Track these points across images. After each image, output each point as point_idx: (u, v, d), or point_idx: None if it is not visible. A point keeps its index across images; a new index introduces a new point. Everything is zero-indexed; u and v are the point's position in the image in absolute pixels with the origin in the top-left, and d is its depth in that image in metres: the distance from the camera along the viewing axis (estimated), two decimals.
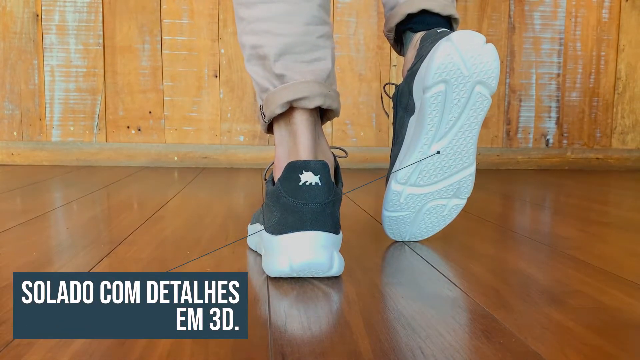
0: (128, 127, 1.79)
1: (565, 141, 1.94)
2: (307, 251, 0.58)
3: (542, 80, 1.90)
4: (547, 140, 1.93)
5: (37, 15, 1.74)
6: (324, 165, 0.60)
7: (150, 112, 1.79)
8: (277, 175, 0.64)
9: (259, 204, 1.11)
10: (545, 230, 0.91)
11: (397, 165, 0.73)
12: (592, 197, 1.33)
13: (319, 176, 0.59)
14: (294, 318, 0.50)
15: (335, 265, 0.60)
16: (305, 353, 0.43)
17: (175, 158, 1.80)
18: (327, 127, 1.82)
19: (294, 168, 0.59)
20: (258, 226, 0.70)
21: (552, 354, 0.44)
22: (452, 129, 0.69)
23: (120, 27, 1.76)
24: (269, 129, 0.69)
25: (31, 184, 1.37)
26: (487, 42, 0.67)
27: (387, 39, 0.81)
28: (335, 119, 1.83)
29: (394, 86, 0.78)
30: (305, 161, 0.60)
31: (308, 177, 0.59)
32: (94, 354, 0.42)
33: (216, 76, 1.79)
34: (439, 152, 0.69)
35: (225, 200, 1.18)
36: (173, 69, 1.78)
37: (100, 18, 1.75)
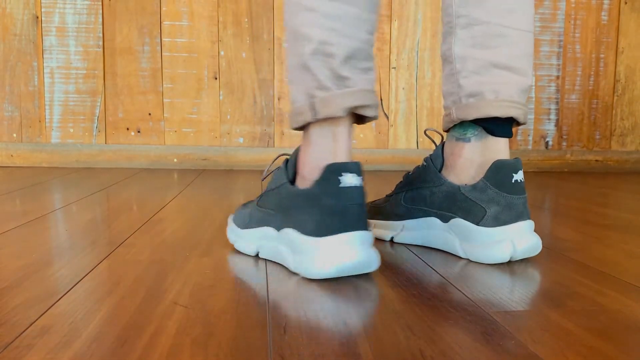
0: (128, 128, 1.79)
1: (564, 143, 1.94)
2: (355, 252, 0.60)
3: (541, 82, 1.91)
4: (547, 142, 1.93)
5: (37, 17, 1.74)
6: (361, 166, 0.62)
7: (149, 113, 1.79)
8: (309, 174, 0.64)
9: None
10: (545, 232, 0.91)
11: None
12: (592, 199, 1.33)
13: (360, 177, 0.62)
14: (293, 320, 0.50)
15: (378, 261, 0.64)
16: (305, 355, 0.43)
17: (175, 160, 1.80)
18: None
19: (335, 170, 0.60)
20: (259, 230, 0.71)
21: (552, 355, 0.44)
22: None
23: (120, 28, 1.76)
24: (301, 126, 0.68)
25: (31, 185, 1.37)
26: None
27: (446, 120, 0.77)
28: None
29: (436, 133, 0.80)
30: (345, 163, 0.61)
31: (349, 179, 0.60)
32: (93, 355, 0.42)
33: (216, 78, 1.79)
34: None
35: (225, 202, 1.18)
36: (173, 71, 1.78)
37: (100, 20, 1.75)
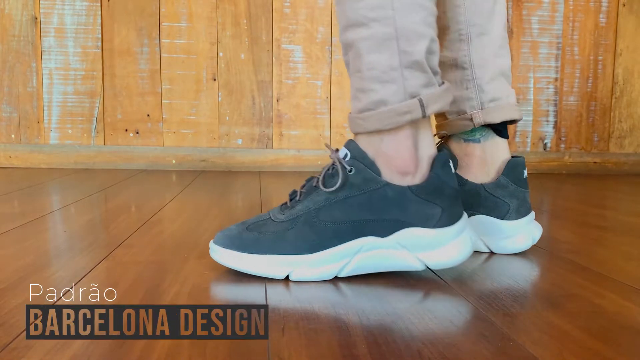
0: (126, 130, 1.79)
1: (563, 145, 1.94)
2: (470, 229, 0.66)
3: (539, 84, 1.91)
4: (545, 144, 1.93)
5: (36, 18, 1.74)
6: None
7: (148, 115, 1.79)
8: (410, 168, 0.63)
9: (257, 207, 1.11)
10: (543, 234, 0.91)
11: None
12: (590, 201, 1.33)
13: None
14: (292, 322, 0.50)
15: None
16: (303, 356, 0.43)
17: (174, 161, 1.80)
18: (325, 129, 1.83)
19: (447, 159, 0.64)
20: (284, 257, 0.62)
21: (550, 357, 0.44)
22: None
23: (118, 30, 1.76)
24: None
25: (29, 186, 1.37)
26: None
27: (448, 116, 0.79)
28: (333, 123, 1.83)
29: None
30: (446, 152, 0.65)
31: (452, 166, 0.65)
32: (92, 356, 0.42)
33: (215, 79, 1.79)
34: None
35: (223, 203, 1.18)
36: (171, 72, 1.78)
37: (99, 21, 1.75)
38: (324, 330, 0.48)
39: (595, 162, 1.95)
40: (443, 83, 0.65)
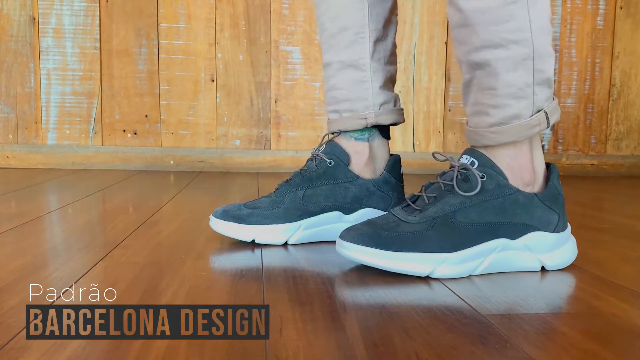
0: (124, 130, 1.79)
1: (560, 147, 1.95)
2: None
3: None
4: (542, 146, 1.94)
5: (34, 19, 1.74)
6: None
7: (146, 115, 1.79)
8: (530, 178, 0.69)
9: None
10: None
11: None
12: (587, 203, 1.34)
13: None
14: (290, 322, 0.50)
15: None
16: (301, 357, 0.43)
17: (171, 162, 1.80)
18: (323, 131, 1.83)
19: (557, 171, 0.71)
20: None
21: (548, 359, 0.44)
22: None
23: (117, 30, 1.76)
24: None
25: (26, 187, 1.37)
26: None
27: None
28: None
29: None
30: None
31: None
32: (88, 357, 0.42)
33: (213, 80, 1.79)
34: None
35: (221, 205, 1.18)
36: (170, 73, 1.78)
37: (97, 21, 1.75)
38: (322, 331, 0.48)
39: (592, 164, 1.95)
40: (554, 97, 0.70)
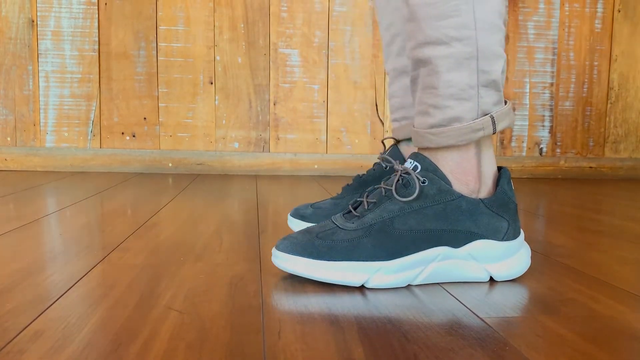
0: (122, 133, 1.79)
1: (558, 150, 1.95)
2: None
3: (535, 89, 1.92)
4: (541, 148, 1.94)
5: (33, 21, 1.74)
6: None
7: (145, 118, 1.79)
8: (476, 183, 0.65)
9: (253, 211, 1.11)
10: (539, 238, 0.92)
11: None
12: (585, 205, 1.34)
13: None
14: (288, 325, 0.50)
15: None
16: (299, 359, 0.43)
17: (170, 164, 1.80)
18: (322, 133, 1.83)
19: (509, 175, 0.67)
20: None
21: None
22: None
23: (115, 33, 1.76)
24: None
25: (25, 189, 1.36)
26: None
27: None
28: (330, 127, 1.84)
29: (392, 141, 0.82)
30: (506, 168, 0.68)
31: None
32: (87, 359, 0.42)
33: (211, 83, 1.79)
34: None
35: (220, 207, 1.18)
36: (168, 76, 1.78)
37: (96, 24, 1.75)
38: (320, 333, 0.48)
39: (590, 167, 1.95)
40: (506, 102, 0.67)
